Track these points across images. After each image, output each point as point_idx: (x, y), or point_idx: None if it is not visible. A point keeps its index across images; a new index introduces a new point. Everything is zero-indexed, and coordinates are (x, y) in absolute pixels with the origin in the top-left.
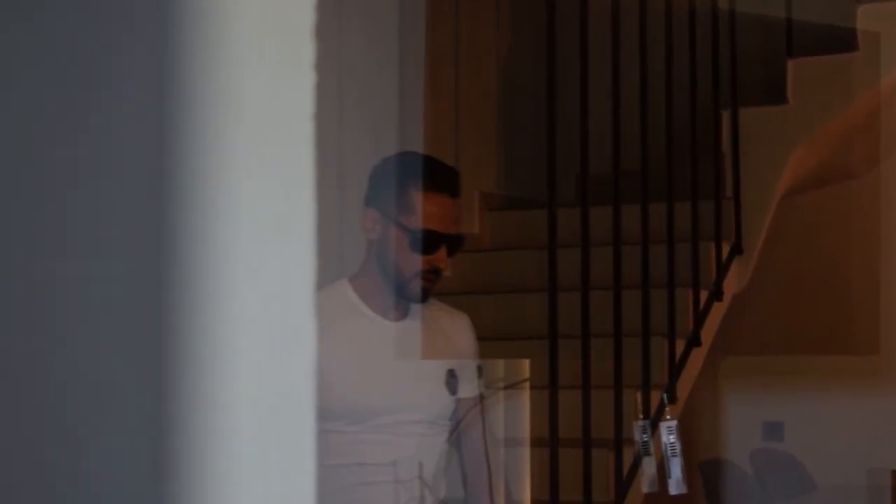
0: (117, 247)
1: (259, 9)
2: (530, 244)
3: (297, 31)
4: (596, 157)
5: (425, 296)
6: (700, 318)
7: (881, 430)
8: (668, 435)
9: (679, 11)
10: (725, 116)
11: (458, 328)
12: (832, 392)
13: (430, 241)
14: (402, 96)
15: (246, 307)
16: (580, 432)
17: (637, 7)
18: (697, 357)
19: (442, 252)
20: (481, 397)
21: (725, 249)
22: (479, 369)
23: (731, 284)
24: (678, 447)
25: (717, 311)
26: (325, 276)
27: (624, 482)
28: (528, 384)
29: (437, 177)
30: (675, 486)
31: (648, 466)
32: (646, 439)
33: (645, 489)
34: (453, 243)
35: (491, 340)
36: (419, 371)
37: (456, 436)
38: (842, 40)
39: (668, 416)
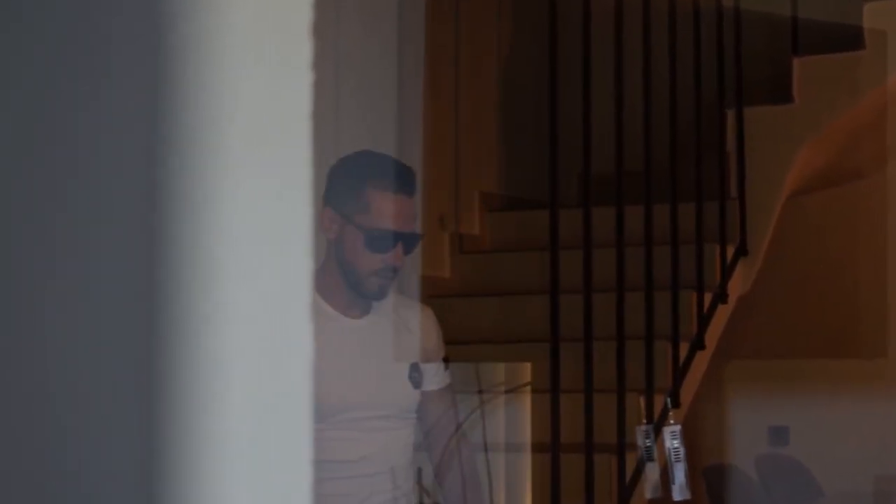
0: (110, 247)
1: (255, 6)
2: (531, 245)
3: (294, 30)
4: (598, 156)
5: (383, 293)
6: (704, 320)
7: (889, 436)
8: (672, 440)
9: (683, 9)
10: (730, 115)
11: (422, 322)
12: (839, 396)
13: (385, 240)
14: (400, 88)
15: (241, 308)
16: (582, 437)
17: (640, 4)
18: (701, 361)
19: (398, 250)
20: (450, 388)
21: (730, 251)
22: (446, 361)
23: (736, 286)
24: (682, 452)
25: (722, 314)
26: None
27: (627, 488)
28: (529, 388)
29: (393, 176)
30: (679, 491)
31: (652, 472)
32: (649, 444)
33: (648, 495)
34: (409, 242)
35: (491, 343)
36: (382, 366)
37: (425, 428)
38: (848, 38)
39: (672, 421)
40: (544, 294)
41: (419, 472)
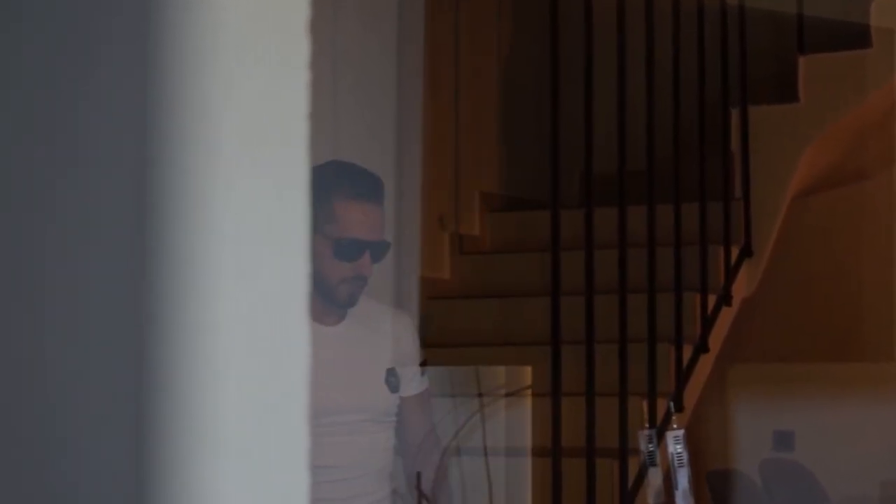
0: (104, 249)
1: (250, 3)
2: (532, 246)
3: (291, 28)
4: (600, 156)
5: (353, 301)
6: (708, 323)
7: None
8: (675, 444)
9: (687, 6)
10: (735, 114)
11: (399, 328)
12: (845, 401)
13: (352, 249)
14: (400, 87)
15: (236, 311)
16: (584, 441)
17: (643, 2)
18: (705, 364)
19: (366, 259)
20: (427, 393)
21: (734, 252)
22: (423, 366)
23: (741, 288)
24: (685, 457)
25: (726, 317)
26: None
27: (629, 493)
28: (529, 392)
29: (360, 185)
30: (682, 497)
31: (654, 477)
32: (651, 449)
33: (651, 501)
34: (378, 250)
35: (492, 346)
36: (359, 371)
37: (399, 434)
38: (855, 36)
39: (675, 425)
40: (545, 296)
41: (418, 476)
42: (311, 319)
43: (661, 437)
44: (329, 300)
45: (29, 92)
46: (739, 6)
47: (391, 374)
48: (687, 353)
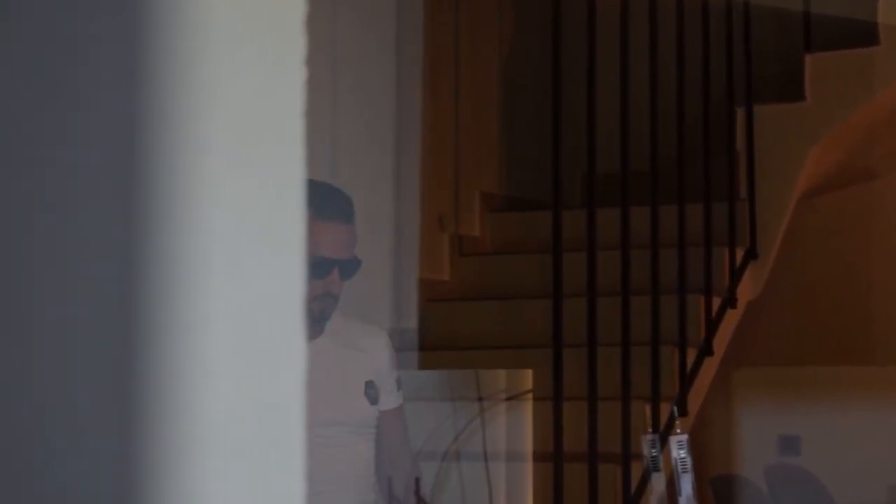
0: (96, 248)
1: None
2: (534, 247)
3: (288, 24)
4: (603, 155)
5: (324, 317)
6: (712, 326)
7: None
8: (679, 450)
9: (691, 3)
10: (740, 114)
11: (374, 344)
12: (852, 405)
13: (321, 267)
14: (399, 85)
15: (231, 311)
16: (586, 446)
17: None
18: (709, 367)
19: (335, 276)
20: (401, 409)
21: (739, 254)
22: (399, 381)
23: (746, 291)
24: (689, 462)
25: (731, 319)
26: None
27: (632, 499)
28: (530, 395)
29: (329, 204)
30: (686, 503)
31: (657, 483)
32: (655, 454)
33: None
34: (347, 268)
35: (492, 349)
36: (336, 385)
37: (378, 446)
38: (862, 34)
39: (679, 430)
40: (547, 298)
41: (417, 482)
42: None
43: (664, 441)
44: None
45: (17, 90)
46: (745, 3)
47: (370, 386)
48: (691, 356)
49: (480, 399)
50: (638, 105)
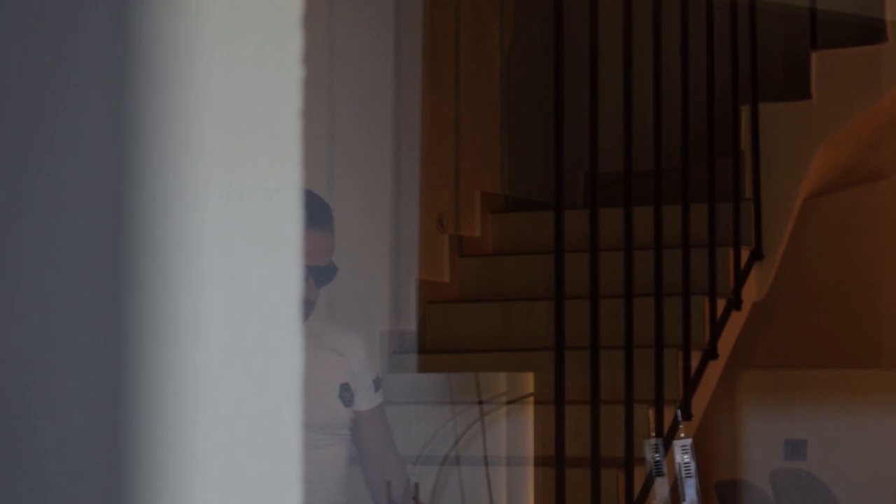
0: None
1: None
2: (535, 248)
3: (284, 21)
4: (606, 155)
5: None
6: (717, 328)
7: None
8: (682, 454)
9: (695, 0)
10: (745, 112)
11: (351, 345)
12: (859, 408)
13: None
14: (398, 83)
15: (225, 317)
16: (588, 451)
17: None
18: (714, 370)
19: (310, 283)
20: (381, 408)
21: (744, 255)
22: (376, 382)
23: (751, 292)
24: (693, 467)
25: (736, 321)
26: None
27: None
28: (532, 399)
29: (303, 210)
30: None
31: (661, 488)
32: (658, 459)
33: None
34: (322, 275)
35: (492, 352)
36: (311, 387)
37: (358, 447)
38: (869, 31)
39: (683, 434)
40: (549, 300)
41: (416, 486)
42: None
43: (668, 446)
44: None
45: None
46: (750, 0)
47: (345, 389)
48: (695, 359)
49: (481, 402)
50: (641, 103)
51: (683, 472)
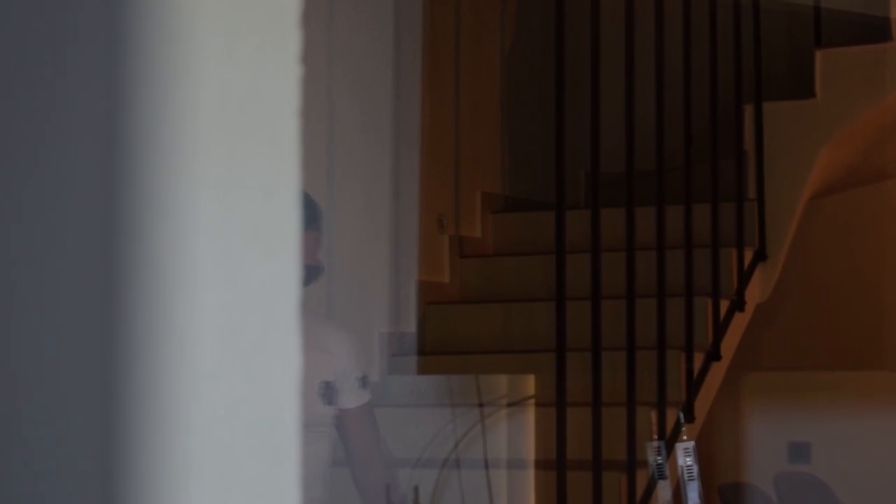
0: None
1: None
2: (536, 249)
3: (282, 19)
4: (607, 155)
5: None
6: (720, 330)
7: None
8: (685, 457)
9: None
10: (748, 111)
11: (336, 342)
12: (864, 411)
13: None
14: (397, 82)
15: (224, 318)
16: (590, 453)
17: None
18: (717, 372)
19: None
20: (369, 405)
21: (748, 256)
22: (363, 380)
23: (754, 293)
24: (695, 470)
25: (739, 323)
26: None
27: None
28: (533, 401)
29: None
30: None
31: (663, 491)
32: (660, 461)
33: None
34: (307, 274)
35: (493, 354)
36: None
37: (345, 446)
38: (874, 29)
39: (685, 437)
40: (550, 301)
41: (416, 490)
42: None
43: (670, 448)
44: None
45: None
46: None
47: (328, 386)
48: (698, 361)
49: (481, 405)
50: (643, 102)
51: (686, 476)
